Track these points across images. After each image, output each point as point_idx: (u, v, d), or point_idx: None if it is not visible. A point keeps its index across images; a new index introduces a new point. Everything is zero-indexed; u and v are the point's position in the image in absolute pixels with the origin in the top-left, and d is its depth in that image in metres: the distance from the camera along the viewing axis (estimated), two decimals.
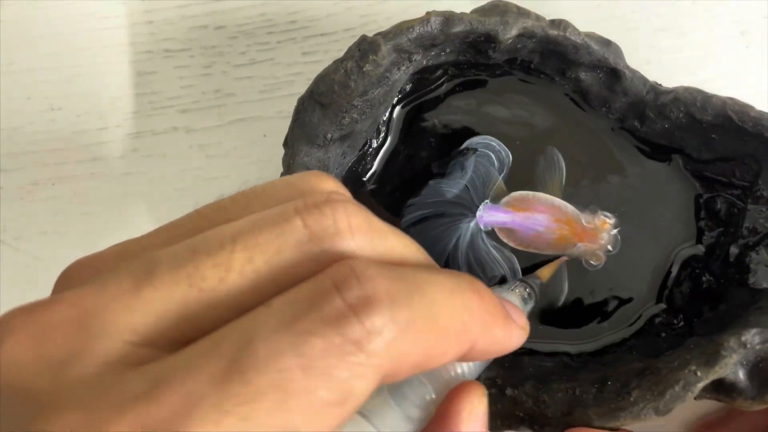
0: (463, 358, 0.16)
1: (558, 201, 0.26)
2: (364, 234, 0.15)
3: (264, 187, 0.17)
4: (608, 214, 0.26)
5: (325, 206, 0.15)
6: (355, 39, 0.32)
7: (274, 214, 0.15)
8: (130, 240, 0.17)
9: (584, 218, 0.26)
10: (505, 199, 0.26)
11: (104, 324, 0.14)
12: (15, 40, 0.33)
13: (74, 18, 0.33)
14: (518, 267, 0.26)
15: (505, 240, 0.26)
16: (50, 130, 0.33)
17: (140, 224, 0.34)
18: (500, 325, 0.17)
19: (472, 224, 0.26)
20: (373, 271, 0.14)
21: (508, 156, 0.26)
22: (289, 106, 0.33)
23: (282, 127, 0.33)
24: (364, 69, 0.25)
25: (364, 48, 0.25)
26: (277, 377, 0.13)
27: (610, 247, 0.26)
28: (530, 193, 0.26)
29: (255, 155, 0.33)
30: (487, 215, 0.26)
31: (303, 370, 0.13)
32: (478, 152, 0.27)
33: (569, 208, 0.26)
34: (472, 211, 0.26)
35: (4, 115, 0.33)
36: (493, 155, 0.26)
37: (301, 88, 0.33)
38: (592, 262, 0.26)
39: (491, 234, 0.26)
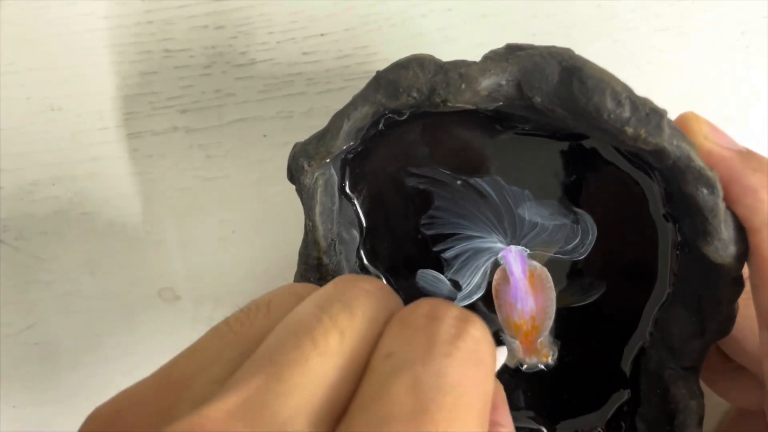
0: None
1: (552, 311, 0.26)
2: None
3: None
4: (555, 350, 0.26)
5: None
6: (355, 39, 0.32)
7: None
8: (155, 377, 0.17)
9: (543, 337, 0.26)
10: (533, 263, 0.26)
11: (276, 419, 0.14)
12: (15, 40, 0.33)
13: (74, 18, 0.33)
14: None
15: (494, 277, 0.26)
16: (50, 130, 0.33)
17: (140, 224, 0.34)
18: None
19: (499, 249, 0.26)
20: (442, 301, 0.18)
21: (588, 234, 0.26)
22: (289, 106, 0.33)
23: (282, 127, 0.33)
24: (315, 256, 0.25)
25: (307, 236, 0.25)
26: (454, 390, 0.15)
27: (523, 367, 0.26)
28: (551, 285, 0.26)
29: (255, 155, 0.33)
30: (513, 256, 0.26)
31: (464, 376, 0.16)
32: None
33: (549, 322, 0.26)
34: (498, 234, 0.26)
35: (4, 115, 0.33)
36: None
37: (301, 88, 0.33)
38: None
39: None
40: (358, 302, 0.17)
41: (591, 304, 0.26)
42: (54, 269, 0.34)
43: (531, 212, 0.26)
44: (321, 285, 0.25)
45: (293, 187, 0.25)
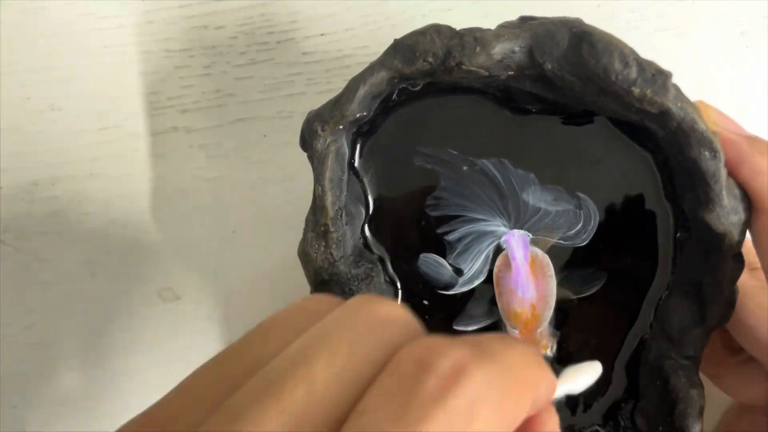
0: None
1: (553, 301, 0.26)
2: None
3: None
4: (555, 342, 0.26)
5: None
6: (355, 39, 0.32)
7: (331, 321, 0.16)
8: (141, 418, 0.16)
9: (543, 327, 0.26)
10: (535, 249, 0.26)
11: None
12: (15, 40, 0.33)
13: (74, 18, 0.33)
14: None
15: (496, 263, 0.26)
16: (50, 130, 0.33)
17: (140, 224, 0.34)
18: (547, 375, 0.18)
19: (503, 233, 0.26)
20: (447, 342, 0.15)
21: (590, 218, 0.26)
22: (289, 106, 0.33)
23: (282, 127, 0.33)
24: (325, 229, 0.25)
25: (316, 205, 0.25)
26: None
27: None
28: (552, 273, 0.26)
29: (255, 155, 0.33)
30: (516, 240, 0.26)
31: None
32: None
33: (549, 312, 0.26)
34: (502, 217, 0.26)
35: (4, 115, 0.33)
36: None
37: (301, 88, 0.33)
38: None
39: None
40: (349, 341, 0.15)
41: (592, 296, 0.26)
42: (54, 269, 0.34)
43: (535, 197, 0.26)
44: (325, 253, 0.25)
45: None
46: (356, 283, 0.26)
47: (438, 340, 0.15)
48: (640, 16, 0.32)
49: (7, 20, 0.33)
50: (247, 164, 0.33)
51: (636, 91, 0.22)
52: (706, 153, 0.22)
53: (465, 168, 0.26)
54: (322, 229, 0.25)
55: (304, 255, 0.25)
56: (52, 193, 0.34)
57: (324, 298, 0.18)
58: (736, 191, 0.22)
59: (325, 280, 0.25)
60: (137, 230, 0.34)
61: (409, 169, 0.27)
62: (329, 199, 0.25)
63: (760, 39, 0.32)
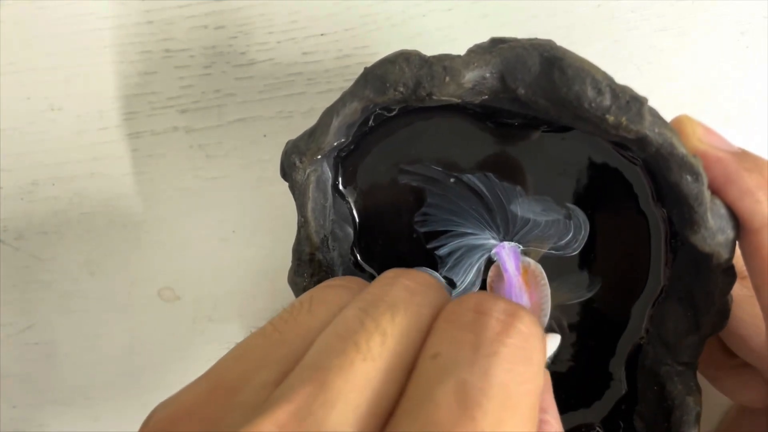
0: None
1: (548, 308, 0.26)
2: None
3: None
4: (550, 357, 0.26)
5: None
6: (355, 39, 0.32)
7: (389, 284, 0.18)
8: (206, 381, 0.17)
9: None
10: (527, 259, 0.26)
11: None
12: (15, 40, 0.33)
13: (74, 18, 0.33)
14: None
15: (489, 274, 0.26)
16: (50, 130, 0.33)
17: (140, 224, 0.34)
18: None
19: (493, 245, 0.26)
20: (490, 294, 0.18)
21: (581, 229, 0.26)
22: (289, 106, 0.33)
23: (282, 127, 0.33)
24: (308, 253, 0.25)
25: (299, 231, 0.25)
26: (500, 391, 0.15)
27: None
28: (546, 281, 0.26)
29: (255, 155, 0.33)
30: (506, 252, 0.26)
31: (511, 375, 0.15)
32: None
33: (544, 319, 0.26)
34: (491, 230, 0.26)
35: (4, 115, 0.33)
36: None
37: (301, 88, 0.33)
38: None
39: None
40: (401, 301, 0.17)
41: (587, 301, 0.26)
42: (54, 269, 0.34)
43: (523, 208, 0.26)
44: (313, 280, 0.25)
45: None
46: None
47: (481, 294, 0.18)
48: (640, 16, 0.32)
49: (7, 20, 0.33)
50: (247, 164, 0.33)
51: (610, 118, 0.21)
52: (688, 177, 0.21)
53: (450, 183, 0.26)
54: (308, 257, 0.25)
55: (293, 284, 0.25)
56: (52, 193, 0.34)
57: (351, 278, 0.20)
58: (722, 210, 0.22)
59: None
60: (137, 230, 0.34)
61: (394, 188, 0.27)
62: (313, 229, 0.25)
63: (760, 39, 0.32)
